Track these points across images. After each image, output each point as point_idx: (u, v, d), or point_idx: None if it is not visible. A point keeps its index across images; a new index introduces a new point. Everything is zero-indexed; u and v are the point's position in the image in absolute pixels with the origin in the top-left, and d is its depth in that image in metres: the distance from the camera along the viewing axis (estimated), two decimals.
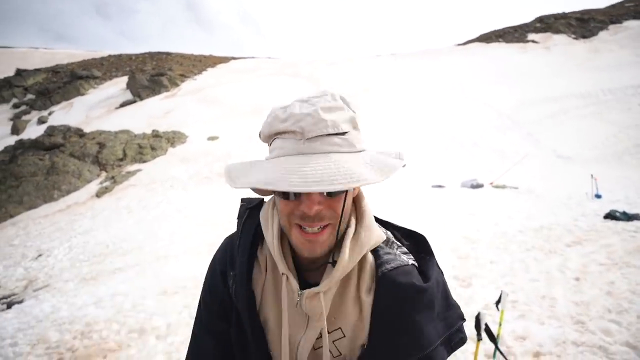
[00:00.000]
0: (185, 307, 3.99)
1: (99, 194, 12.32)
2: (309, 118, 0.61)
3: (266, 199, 0.80)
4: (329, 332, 0.70)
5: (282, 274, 0.69)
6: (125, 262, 6.89)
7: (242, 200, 0.82)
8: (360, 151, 0.65)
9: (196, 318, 0.82)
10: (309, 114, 0.61)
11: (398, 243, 0.76)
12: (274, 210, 0.71)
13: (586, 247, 4.36)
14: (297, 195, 0.63)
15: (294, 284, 0.69)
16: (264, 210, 0.75)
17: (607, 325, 2.72)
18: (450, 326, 0.69)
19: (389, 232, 0.78)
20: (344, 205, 0.65)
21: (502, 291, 1.95)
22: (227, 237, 0.82)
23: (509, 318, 2.98)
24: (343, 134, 0.62)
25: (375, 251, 0.72)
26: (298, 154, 0.61)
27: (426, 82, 25.43)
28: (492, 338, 1.76)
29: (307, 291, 0.67)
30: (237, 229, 0.77)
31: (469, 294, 3.54)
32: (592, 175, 8.16)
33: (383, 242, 0.73)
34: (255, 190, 0.74)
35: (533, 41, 33.24)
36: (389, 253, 0.72)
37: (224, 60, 42.47)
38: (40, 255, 7.98)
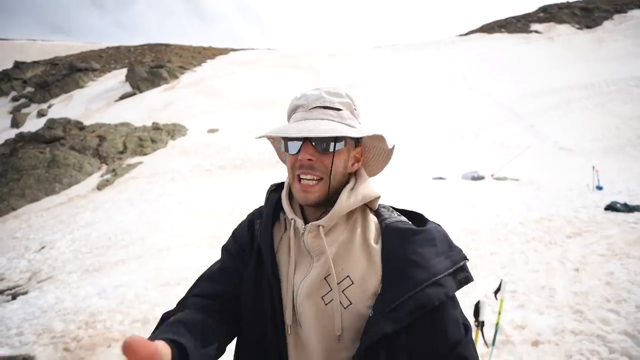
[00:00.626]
0: None
1: (100, 187, 12.34)
2: (314, 95, 0.82)
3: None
4: (337, 283, 0.77)
5: (291, 218, 0.83)
6: (128, 254, 6.94)
7: (271, 185, 0.98)
8: (351, 126, 0.81)
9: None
10: (315, 93, 0.83)
11: (397, 213, 0.89)
12: (288, 180, 0.89)
13: (586, 239, 4.37)
14: (298, 149, 0.79)
15: (299, 222, 0.82)
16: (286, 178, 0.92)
17: (605, 314, 2.74)
18: (455, 262, 0.76)
19: (387, 205, 0.91)
20: (332, 164, 0.79)
21: (501, 280, 1.97)
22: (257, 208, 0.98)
23: (508, 308, 3.01)
24: (337, 109, 0.81)
25: (377, 212, 0.86)
26: (303, 119, 0.81)
27: (427, 74, 25.23)
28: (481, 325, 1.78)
29: (309, 225, 0.80)
30: (265, 199, 0.93)
31: (469, 285, 3.56)
32: (593, 167, 8.15)
33: (384, 208, 0.88)
34: (279, 155, 0.96)
35: (536, 31, 32.85)
36: (390, 215, 0.85)
37: (224, 51, 42.11)
38: (43, 248, 8.04)
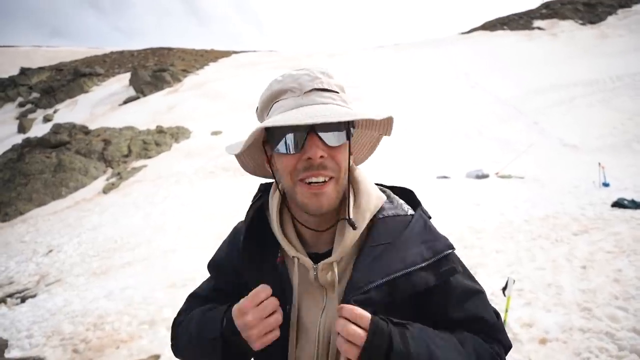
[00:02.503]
0: None
1: (105, 190, 12.45)
2: (305, 76, 0.66)
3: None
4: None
5: (292, 257, 0.70)
6: (134, 256, 6.99)
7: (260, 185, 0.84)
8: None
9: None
10: (306, 74, 0.67)
11: (398, 198, 0.79)
12: (274, 198, 0.74)
13: (593, 236, 4.34)
14: (301, 145, 0.63)
15: (307, 262, 0.70)
16: (270, 197, 0.77)
17: (613, 311, 2.72)
18: (437, 252, 0.69)
19: (387, 191, 0.80)
20: (348, 157, 0.67)
21: (508, 277, 1.97)
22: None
23: (514, 306, 2.99)
24: (335, 92, 0.67)
25: (380, 209, 0.74)
26: (298, 106, 0.64)
27: (430, 72, 25.15)
28: None
29: (321, 263, 0.68)
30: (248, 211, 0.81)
31: None
32: (599, 164, 8.06)
33: (386, 202, 0.76)
34: (246, 167, 0.80)
35: (539, 28, 32.61)
36: (392, 207, 0.74)
37: (226, 54, 42.30)
38: (50, 251, 8.13)
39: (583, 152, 11.89)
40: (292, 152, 0.64)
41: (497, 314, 0.77)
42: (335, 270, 0.68)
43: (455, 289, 0.71)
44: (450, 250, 0.71)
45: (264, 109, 0.71)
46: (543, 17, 34.87)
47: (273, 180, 0.78)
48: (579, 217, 5.03)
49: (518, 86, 19.67)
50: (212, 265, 0.86)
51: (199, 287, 0.89)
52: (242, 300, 0.66)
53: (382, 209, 0.74)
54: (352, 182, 0.72)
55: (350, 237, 0.68)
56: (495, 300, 2.98)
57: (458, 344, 0.67)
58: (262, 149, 0.74)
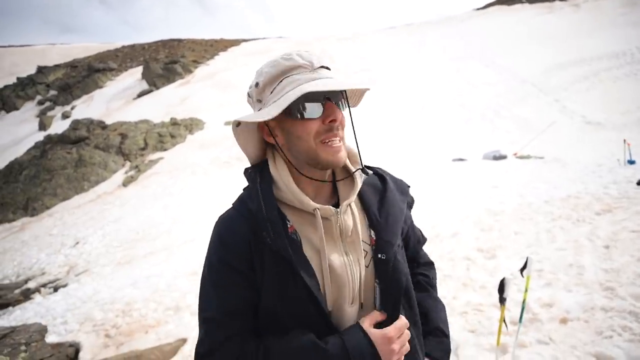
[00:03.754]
0: None
1: (125, 183, 12.83)
2: (315, 56, 0.76)
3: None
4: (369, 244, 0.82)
5: (314, 209, 0.76)
6: (155, 246, 7.24)
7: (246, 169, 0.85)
8: None
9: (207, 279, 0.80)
10: (313, 54, 0.76)
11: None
12: (278, 165, 0.80)
13: (617, 215, 4.20)
14: (322, 111, 0.74)
15: (329, 209, 0.77)
16: (271, 169, 0.80)
17: (638, 291, 2.66)
18: (406, 194, 0.93)
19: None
20: (351, 121, 0.85)
21: (527, 257, 1.94)
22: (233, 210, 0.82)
23: (534, 286, 2.96)
24: (329, 69, 0.79)
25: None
26: (313, 79, 0.73)
27: (444, 52, 24.39)
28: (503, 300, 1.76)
29: (343, 205, 0.79)
30: (254, 192, 0.78)
31: (494, 265, 3.53)
32: (624, 141, 7.74)
33: None
34: (245, 145, 0.83)
35: None
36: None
37: (235, 43, 42.12)
38: (77, 243, 8.51)
39: (607, 129, 11.40)
40: (315, 117, 0.74)
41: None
42: (354, 209, 0.81)
43: (409, 216, 0.97)
44: (409, 189, 0.94)
45: (270, 83, 0.75)
46: None
47: (254, 164, 0.84)
48: (602, 197, 4.87)
49: (537, 63, 18.87)
50: (224, 263, 0.77)
51: (223, 307, 0.75)
52: (387, 329, 0.76)
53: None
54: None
55: (360, 183, 0.84)
56: (514, 280, 2.95)
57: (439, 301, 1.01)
58: (256, 124, 0.81)
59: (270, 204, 0.75)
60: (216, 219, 0.82)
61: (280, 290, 0.73)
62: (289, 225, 0.76)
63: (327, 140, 0.74)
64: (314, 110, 0.73)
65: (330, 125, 0.74)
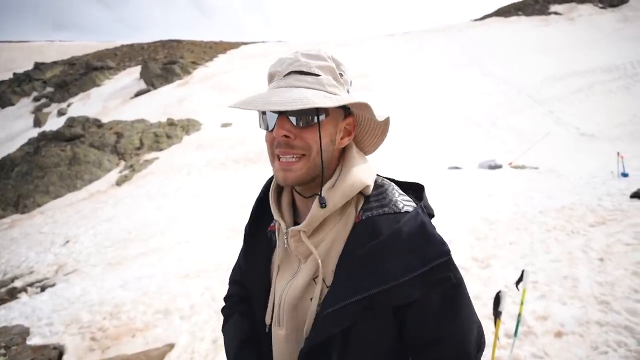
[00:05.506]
0: (206, 289, 4.12)
1: (119, 183, 12.69)
2: (289, 60, 0.71)
3: None
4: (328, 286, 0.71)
5: (275, 220, 0.79)
6: (148, 247, 7.13)
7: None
8: (333, 94, 0.69)
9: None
10: (291, 57, 0.72)
11: (400, 191, 0.77)
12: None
13: (611, 227, 4.21)
14: (274, 124, 0.69)
15: (283, 225, 0.76)
16: None
17: (633, 305, 2.65)
18: (427, 262, 0.64)
19: (387, 183, 0.78)
20: (320, 139, 0.69)
21: (523, 270, 1.92)
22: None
23: (529, 298, 2.94)
24: (315, 75, 0.69)
25: (367, 199, 0.74)
26: (276, 88, 0.69)
27: (441, 61, 24.61)
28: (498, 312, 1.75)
29: (290, 229, 0.73)
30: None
31: (488, 275, 3.51)
32: (618, 153, 7.82)
33: (377, 190, 0.74)
34: None
35: (555, 13, 31.47)
36: (382, 199, 0.73)
37: (234, 45, 42.17)
38: (67, 242, 8.36)
39: (601, 142, 11.53)
40: (269, 130, 0.71)
41: (480, 344, 0.72)
42: (306, 242, 0.71)
43: (434, 303, 0.66)
44: (441, 259, 0.66)
45: (268, 84, 0.78)
46: (560, 1, 33.58)
47: None
48: (596, 208, 4.89)
49: (533, 74, 19.10)
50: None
51: (231, 275, 0.99)
52: None
53: (369, 206, 0.72)
54: (342, 162, 0.75)
55: (319, 214, 0.70)
56: (510, 293, 2.93)
57: None
58: None
59: (260, 197, 0.87)
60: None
61: (240, 266, 0.93)
62: (271, 224, 0.84)
63: (278, 155, 0.70)
64: (270, 121, 0.70)
65: (278, 139, 0.69)
